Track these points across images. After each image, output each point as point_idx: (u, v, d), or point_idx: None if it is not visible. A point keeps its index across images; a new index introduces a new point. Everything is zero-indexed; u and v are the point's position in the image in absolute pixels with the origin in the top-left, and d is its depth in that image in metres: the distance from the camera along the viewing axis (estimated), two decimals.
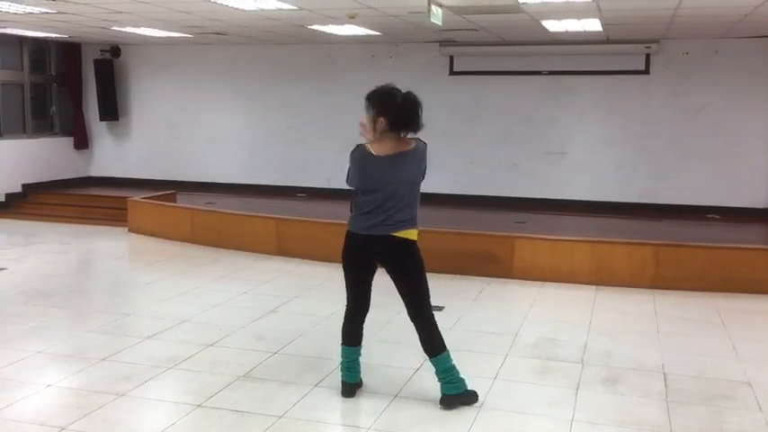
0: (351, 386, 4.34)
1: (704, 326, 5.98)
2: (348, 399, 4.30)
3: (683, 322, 6.08)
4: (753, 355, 5.23)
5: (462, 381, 4.19)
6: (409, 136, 4.13)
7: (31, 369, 4.71)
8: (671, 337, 5.63)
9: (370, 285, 4.30)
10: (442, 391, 4.17)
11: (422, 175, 4.14)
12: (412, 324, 4.24)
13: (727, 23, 8.54)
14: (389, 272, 4.20)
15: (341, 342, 4.34)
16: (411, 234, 4.11)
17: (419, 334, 4.20)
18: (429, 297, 4.20)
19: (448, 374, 4.15)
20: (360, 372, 4.39)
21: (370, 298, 4.33)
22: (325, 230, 8.36)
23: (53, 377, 4.58)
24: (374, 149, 4.10)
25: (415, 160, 4.09)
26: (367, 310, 4.34)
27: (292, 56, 11.97)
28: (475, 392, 4.24)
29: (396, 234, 4.07)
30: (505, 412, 4.15)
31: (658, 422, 4.05)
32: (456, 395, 4.16)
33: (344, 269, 4.27)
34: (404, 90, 4.12)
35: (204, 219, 9.27)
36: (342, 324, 4.35)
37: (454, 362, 4.19)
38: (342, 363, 4.35)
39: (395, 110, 4.05)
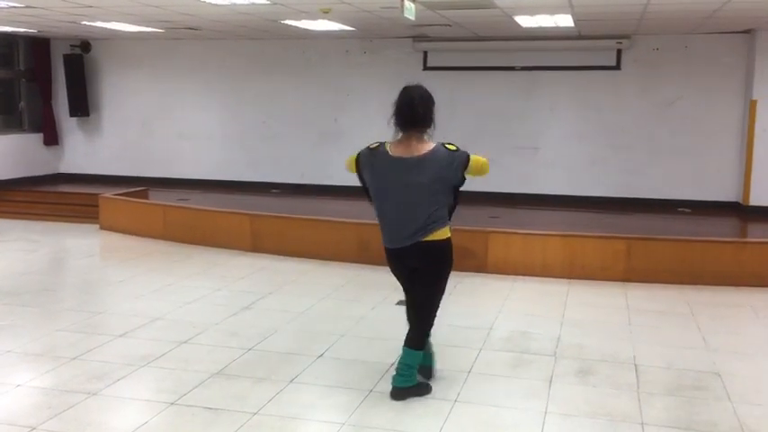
0: (427, 368, 4.44)
1: (675, 318, 6.07)
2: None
3: (653, 315, 6.16)
4: (722, 347, 5.32)
5: (414, 379, 4.25)
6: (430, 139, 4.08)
7: (1, 368, 4.64)
8: (642, 330, 5.71)
9: None
10: (393, 382, 4.23)
11: (444, 180, 4.01)
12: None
13: (696, 19, 8.65)
14: (418, 266, 4.18)
15: (404, 344, 4.32)
16: (441, 234, 4.07)
17: (410, 328, 4.25)
18: (440, 298, 4.24)
19: (408, 370, 4.21)
20: (432, 360, 4.50)
21: None
22: (299, 226, 8.34)
23: (23, 377, 4.51)
24: (391, 150, 4.08)
25: (432, 164, 3.99)
26: None
27: (266, 51, 11.90)
28: (428, 384, 4.33)
29: (425, 239, 4.04)
30: (480, 405, 4.18)
31: (630, 413, 4.10)
32: (406, 388, 4.22)
33: (393, 274, 4.33)
34: (430, 88, 4.12)
35: (177, 215, 9.18)
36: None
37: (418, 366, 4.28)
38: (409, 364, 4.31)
39: (394, 107, 4.04)
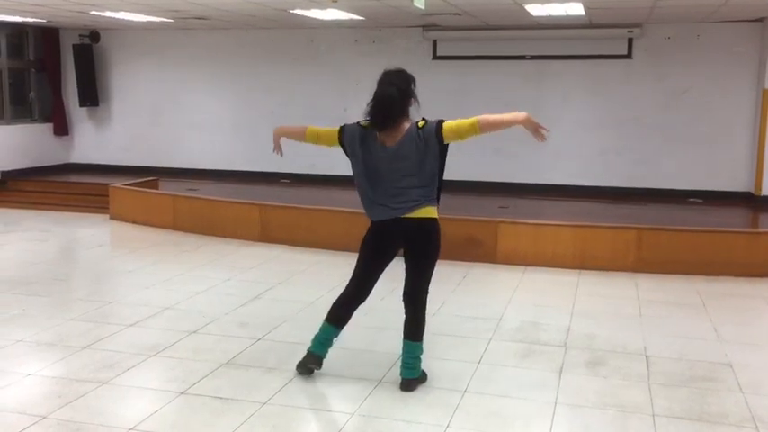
0: (315, 357, 4.28)
1: (685, 309, 6.03)
2: (306, 375, 4.29)
3: (664, 305, 6.12)
4: (733, 337, 5.28)
5: (420, 368, 4.25)
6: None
7: (12, 358, 4.66)
8: (653, 320, 5.68)
9: (379, 276, 4.26)
10: (402, 374, 4.22)
11: (425, 157, 3.99)
12: (397, 306, 4.25)
13: (709, 7, 8.56)
14: (406, 250, 4.17)
15: (325, 317, 4.32)
16: (429, 212, 4.07)
17: (407, 315, 4.23)
18: (429, 284, 4.21)
19: (415, 361, 4.21)
20: (327, 352, 4.34)
21: (372, 288, 4.29)
22: (308, 216, 8.34)
23: (34, 366, 4.53)
24: (378, 136, 4.08)
25: (410, 148, 3.99)
26: (364, 299, 4.31)
27: (275, 41, 11.87)
28: (424, 372, 4.31)
29: (412, 215, 4.03)
30: (489, 396, 4.17)
31: (641, 404, 4.08)
32: (414, 379, 4.22)
33: (360, 252, 4.26)
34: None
35: (187, 205, 9.20)
36: (334, 301, 4.33)
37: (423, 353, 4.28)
38: (317, 335, 4.32)
39: (371, 101, 4.09)
